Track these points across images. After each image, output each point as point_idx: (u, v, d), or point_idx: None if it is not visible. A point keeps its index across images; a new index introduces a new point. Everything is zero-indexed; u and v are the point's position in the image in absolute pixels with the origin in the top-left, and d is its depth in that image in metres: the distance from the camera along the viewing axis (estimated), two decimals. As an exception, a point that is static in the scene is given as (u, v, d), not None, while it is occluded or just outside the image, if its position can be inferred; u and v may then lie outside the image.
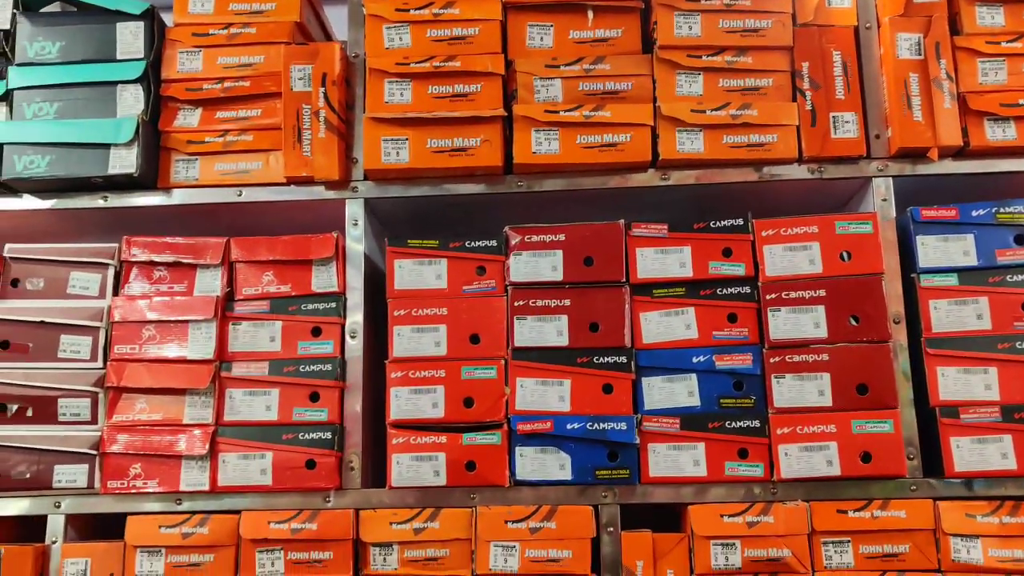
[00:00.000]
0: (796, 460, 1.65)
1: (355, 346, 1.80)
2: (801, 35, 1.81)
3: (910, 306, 1.72)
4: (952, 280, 1.70)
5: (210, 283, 1.83)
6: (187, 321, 1.80)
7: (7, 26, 1.91)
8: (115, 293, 1.84)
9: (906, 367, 1.69)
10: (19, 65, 1.89)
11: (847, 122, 1.77)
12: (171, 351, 1.79)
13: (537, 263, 1.78)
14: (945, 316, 1.69)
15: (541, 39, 1.84)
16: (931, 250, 1.71)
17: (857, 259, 1.72)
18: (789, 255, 1.73)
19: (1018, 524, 1.60)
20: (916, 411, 1.68)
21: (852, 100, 1.78)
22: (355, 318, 1.81)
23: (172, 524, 1.71)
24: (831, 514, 1.63)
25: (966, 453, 1.63)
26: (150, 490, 1.74)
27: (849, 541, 1.62)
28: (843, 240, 1.73)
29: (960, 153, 1.77)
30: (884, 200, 1.76)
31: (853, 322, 1.70)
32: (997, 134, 1.74)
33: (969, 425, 1.64)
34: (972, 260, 1.70)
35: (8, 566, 1.70)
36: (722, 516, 1.64)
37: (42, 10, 1.95)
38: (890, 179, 1.77)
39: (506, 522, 1.67)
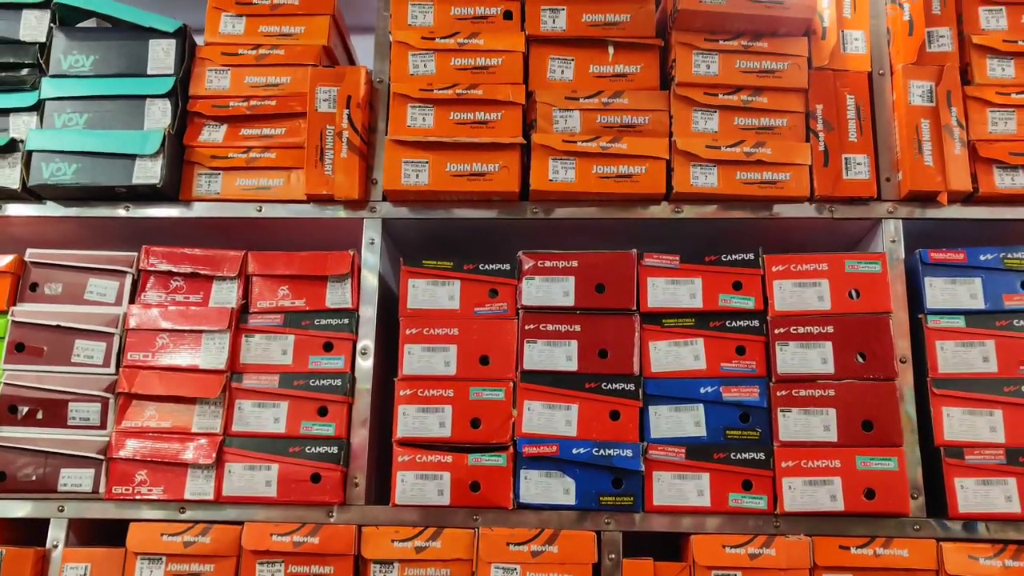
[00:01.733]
0: (800, 494, 1.66)
1: (365, 363, 1.81)
2: (816, 78, 1.85)
3: (917, 346, 1.73)
4: (959, 322, 1.71)
5: (226, 295, 1.86)
6: (201, 331, 1.82)
7: (43, 39, 1.96)
8: (131, 301, 1.87)
9: (911, 406, 1.70)
10: (53, 77, 1.94)
11: (859, 164, 1.81)
12: (183, 360, 1.80)
13: (549, 288, 1.80)
14: (952, 357, 1.70)
15: (562, 72, 1.89)
16: (939, 292, 1.73)
17: (865, 297, 1.74)
18: (799, 291, 1.76)
19: (1022, 568, 1.59)
20: (921, 450, 1.69)
21: (864, 143, 1.82)
22: (367, 335, 1.83)
23: (174, 532, 1.71)
24: (833, 549, 1.63)
25: (970, 494, 1.63)
26: (154, 497, 1.74)
27: (851, 578, 1.62)
28: (852, 278, 1.75)
29: (969, 199, 1.80)
30: (893, 241, 1.79)
31: (860, 359, 1.71)
32: (1006, 181, 1.78)
33: (974, 466, 1.64)
34: (979, 303, 1.72)
35: (8, 568, 1.70)
36: (724, 547, 1.64)
37: (78, 25, 2.00)
38: (900, 221, 1.80)
39: (508, 544, 1.67)
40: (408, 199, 1.87)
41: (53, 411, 1.79)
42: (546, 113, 1.86)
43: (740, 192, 1.81)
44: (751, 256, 1.78)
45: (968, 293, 1.73)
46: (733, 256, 1.79)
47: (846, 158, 1.82)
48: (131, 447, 1.76)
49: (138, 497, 1.74)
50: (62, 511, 1.76)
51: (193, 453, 1.75)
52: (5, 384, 1.80)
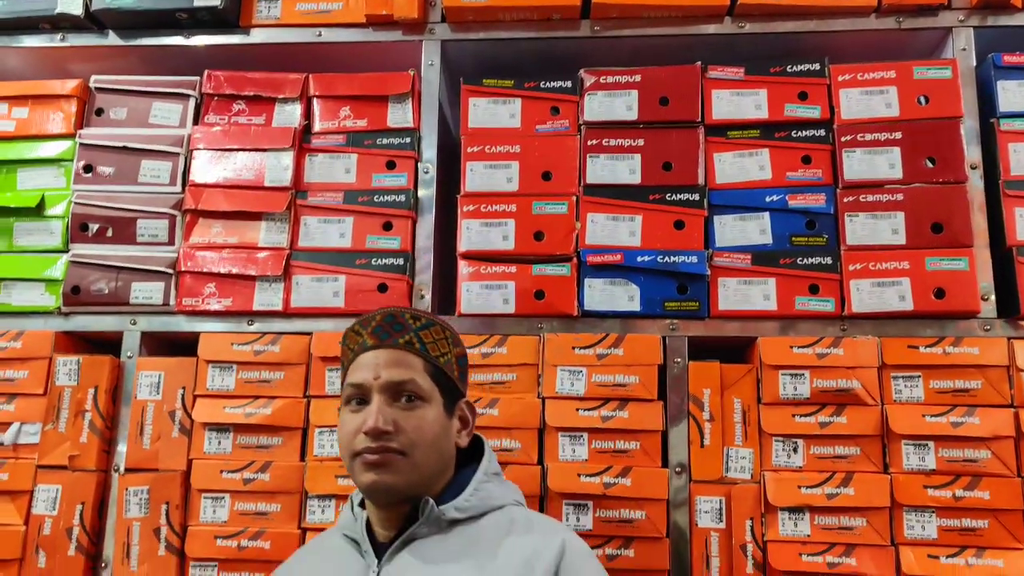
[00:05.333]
0: (868, 295, 1.65)
1: (428, 180, 1.82)
2: None
3: (987, 151, 1.71)
4: (1032, 123, 1.69)
5: (288, 117, 1.87)
6: (265, 150, 1.83)
7: None
8: (195, 123, 1.88)
9: (982, 212, 1.68)
10: (111, -95, 1.94)
11: (929, -29, 1.77)
12: (248, 178, 1.82)
13: (612, 103, 1.79)
14: (1025, 159, 1.68)
15: None
16: (1012, 94, 1.70)
17: (935, 103, 1.72)
18: (865, 99, 1.73)
19: (1094, 363, 1.58)
20: (992, 256, 1.67)
21: (934, -49, 1.78)
22: (428, 154, 1.83)
23: (244, 342, 1.74)
24: (902, 349, 1.62)
25: (1042, 292, 1.62)
26: (223, 308, 1.77)
27: (920, 376, 1.61)
28: (921, 85, 1.73)
29: (1043, 5, 1.76)
30: (964, 49, 1.76)
31: (929, 164, 1.69)
32: (1082, -15, 1.73)
33: (1046, 264, 1.62)
34: (1054, 104, 1.69)
35: (86, 374, 1.74)
36: (792, 348, 1.64)
37: None
38: (971, 30, 1.77)
39: (573, 348, 1.68)
40: (467, 18, 1.86)
41: (122, 228, 1.82)
42: (607, -71, 1.83)
43: (806, 2, 1.77)
44: (817, 65, 1.76)
45: (1042, 94, 1.69)
46: (798, 66, 1.76)
47: (915, -32, 1.78)
48: (199, 261, 1.79)
49: (207, 307, 1.77)
50: (135, 324, 1.80)
51: (261, 266, 1.77)
52: (75, 204, 1.83)
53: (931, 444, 1.58)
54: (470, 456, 1.26)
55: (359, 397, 1.19)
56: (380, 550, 1.17)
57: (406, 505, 1.17)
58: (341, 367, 1.29)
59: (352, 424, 1.17)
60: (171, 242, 1.82)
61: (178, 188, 1.84)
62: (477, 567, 1.10)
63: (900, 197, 1.68)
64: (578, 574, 1.10)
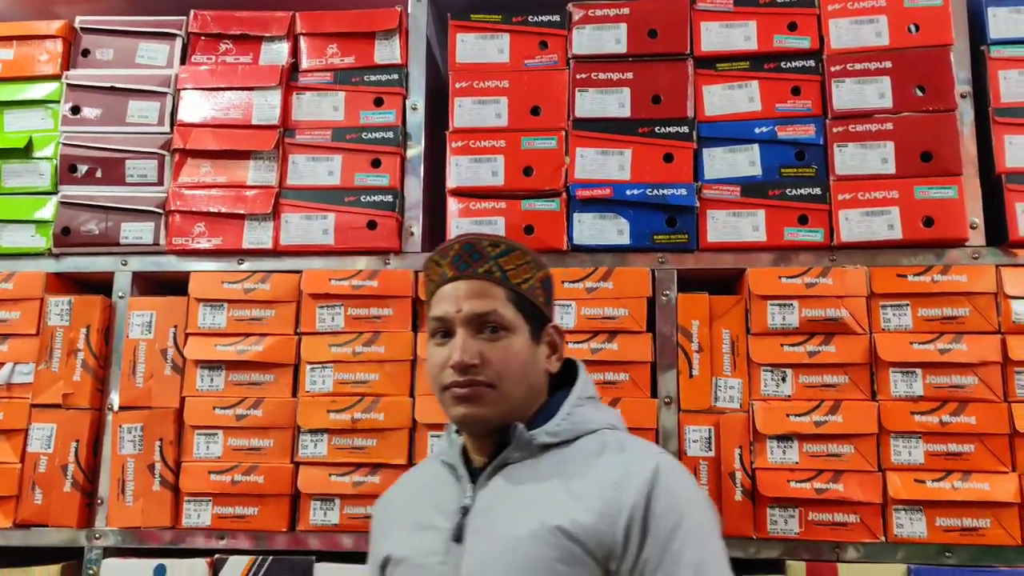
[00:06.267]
0: (857, 225, 1.65)
1: (416, 117, 1.81)
2: None
3: (978, 79, 1.70)
4: (1023, 51, 1.67)
5: (275, 55, 1.86)
6: (253, 88, 1.82)
7: None
8: (182, 63, 1.87)
9: (971, 139, 1.67)
10: None
11: (919, -102, 1.75)
12: (236, 116, 1.81)
13: (600, 36, 1.78)
14: (1015, 86, 1.67)
15: None
16: (1002, 21, 1.69)
17: (925, 31, 1.70)
18: (855, 28, 1.72)
19: (1082, 288, 1.58)
20: (981, 184, 1.67)
21: None
22: (416, 90, 1.83)
23: (235, 280, 1.75)
24: (891, 278, 1.62)
25: (1031, 218, 1.61)
26: (212, 246, 1.77)
27: (908, 304, 1.62)
28: (911, 13, 1.71)
29: (1035, -70, 1.74)
30: (954, -23, 1.74)
31: (919, 92, 1.68)
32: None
33: (1035, 191, 1.62)
34: (1044, 31, 1.68)
35: (78, 314, 1.74)
36: (781, 278, 1.64)
37: None
38: (960, -42, 1.75)
39: (563, 282, 1.68)
40: (454, -47, 1.84)
41: (111, 169, 1.82)
42: None
43: (795, -69, 1.76)
44: (807, -4, 1.74)
45: (1033, 21, 1.68)
46: (789, -3, 1.75)
47: None
48: (188, 200, 1.79)
49: (197, 246, 1.77)
50: (126, 264, 1.80)
51: (249, 204, 1.77)
52: (63, 145, 1.83)
53: (919, 371, 1.58)
54: (564, 380, 1.23)
55: (443, 330, 1.17)
56: (475, 475, 1.17)
57: (501, 432, 1.16)
58: (425, 299, 1.25)
59: (438, 357, 1.16)
60: (160, 182, 1.81)
61: (166, 128, 1.83)
62: (566, 489, 1.08)
63: (890, 126, 1.68)
64: (672, 497, 1.06)
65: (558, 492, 1.09)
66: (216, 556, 1.64)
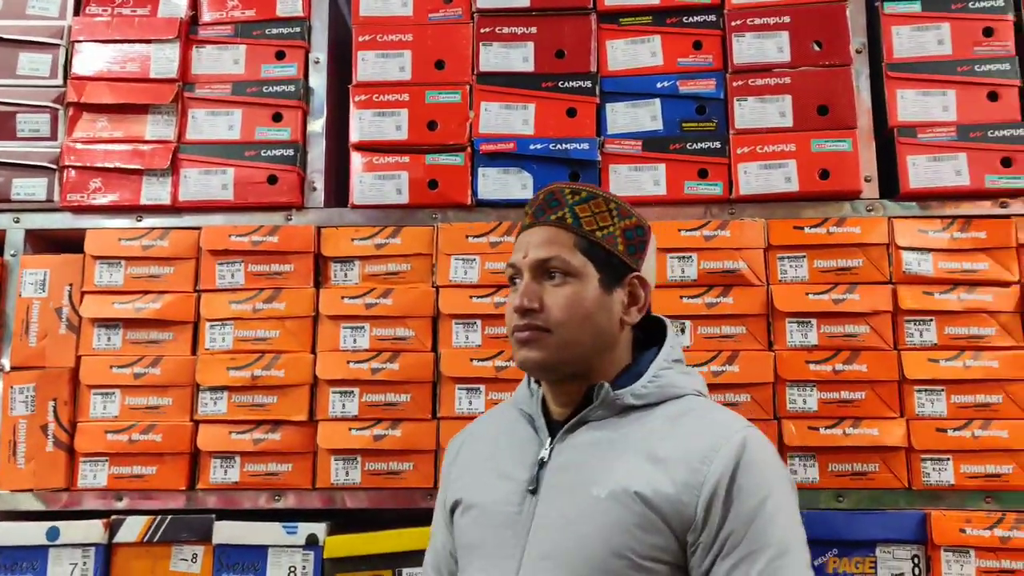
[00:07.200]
0: (755, 178, 1.67)
1: (319, 70, 1.79)
2: None
3: (873, 35, 1.72)
4: (915, 7, 1.71)
5: (174, 7, 1.81)
6: (150, 41, 1.77)
7: None
8: (76, 14, 1.81)
9: (867, 93, 1.70)
10: None
11: None
12: (133, 69, 1.76)
13: (504, -10, 1.77)
14: (907, 41, 1.70)
15: None
16: (896, -22, 1.72)
17: (823, -14, 1.73)
18: (756, -17, 1.73)
19: (968, 239, 1.62)
20: (876, 137, 1.70)
21: None
22: (319, 43, 1.80)
23: (132, 237, 1.71)
24: (787, 230, 1.65)
25: (922, 171, 1.65)
26: (108, 202, 1.73)
27: (804, 256, 1.64)
28: (810, -31, 1.73)
29: None
30: (852, -66, 1.76)
31: (816, 47, 1.71)
32: None
33: (926, 144, 1.66)
34: (937, -13, 1.71)
35: (-35, 272, 1.69)
36: (680, 231, 1.66)
37: None
38: (858, -84, 1.77)
39: (467, 237, 1.68)
40: (358, -97, 1.81)
41: (1, 123, 1.75)
42: None
43: None
44: (709, -49, 1.75)
45: (925, -23, 1.71)
46: (690, -48, 1.75)
47: None
48: (84, 156, 1.74)
49: (93, 202, 1.73)
50: (18, 222, 1.75)
51: (147, 159, 1.73)
52: (-51, 98, 1.76)
53: (813, 321, 1.61)
54: (653, 340, 1.19)
55: (514, 276, 1.16)
56: (554, 428, 1.15)
57: (578, 385, 1.14)
58: None
59: (509, 304, 1.14)
60: (53, 137, 1.76)
61: (59, 81, 1.78)
62: (650, 456, 1.06)
63: (787, 80, 1.70)
64: (758, 473, 1.03)
65: (640, 457, 1.06)
66: (113, 517, 1.61)
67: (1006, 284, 1.61)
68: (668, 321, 1.21)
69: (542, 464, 1.11)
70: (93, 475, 1.64)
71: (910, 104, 1.68)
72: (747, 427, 1.09)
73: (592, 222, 1.14)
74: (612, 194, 1.18)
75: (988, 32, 1.69)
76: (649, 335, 1.19)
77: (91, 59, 1.77)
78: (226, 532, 1.59)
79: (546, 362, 1.11)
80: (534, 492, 1.09)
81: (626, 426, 1.10)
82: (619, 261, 1.15)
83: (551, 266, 1.12)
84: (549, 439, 1.13)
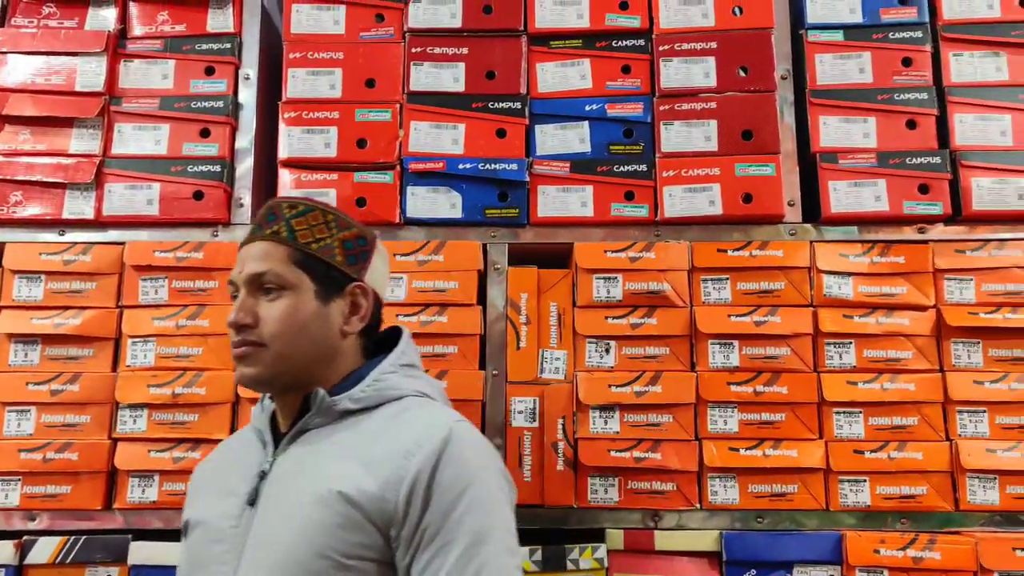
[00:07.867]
0: (680, 201, 1.69)
1: (249, 87, 1.78)
2: None
3: (798, 62, 1.76)
4: (838, 36, 1.74)
5: (103, 20, 1.80)
6: (77, 54, 1.76)
7: None
8: (1, 26, 1.79)
9: (791, 118, 1.73)
10: None
11: None
12: (59, 82, 1.74)
13: (436, 11, 1.78)
14: (830, 69, 1.73)
15: None
16: (819, 7, 1.75)
17: (749, 14, 1.76)
18: (684, 8, 1.76)
19: (887, 263, 1.65)
20: (799, 164, 1.72)
21: None
22: (250, 59, 1.79)
23: (53, 252, 1.68)
24: (711, 253, 1.67)
25: (843, 196, 1.68)
26: (29, 215, 1.70)
27: (727, 278, 1.66)
28: (737, -5, 1.76)
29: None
30: (770, -36, 1.80)
31: (742, 73, 1.74)
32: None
33: (847, 170, 1.69)
34: (858, 17, 1.75)
35: None
36: (606, 252, 1.67)
37: None
38: (783, -56, 1.81)
39: (395, 255, 1.67)
40: (291, -80, 1.81)
41: (-80, 134, 1.73)
42: None
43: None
44: (638, -24, 1.78)
45: (847, 7, 1.75)
46: (620, -24, 1.78)
47: None
48: (4, 168, 1.71)
49: (13, 215, 1.70)
50: (-66, 234, 1.71)
51: (70, 172, 1.71)
52: None
53: (735, 343, 1.63)
54: (388, 349, 1.21)
55: (234, 293, 1.16)
56: (280, 441, 1.15)
57: (301, 396, 1.15)
58: None
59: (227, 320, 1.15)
60: (-27, 149, 1.73)
61: (-19, 93, 1.75)
62: (359, 458, 1.07)
63: (713, 105, 1.72)
64: (459, 466, 1.05)
65: (349, 458, 1.08)
66: (24, 538, 1.57)
67: (923, 308, 1.64)
68: (406, 330, 1.25)
69: (263, 476, 1.12)
70: (4, 495, 1.60)
71: (832, 130, 1.71)
72: (457, 422, 1.11)
73: (308, 235, 1.17)
74: (332, 206, 1.22)
75: (907, 62, 1.73)
76: (382, 345, 1.22)
77: (15, 71, 1.75)
78: (142, 553, 1.56)
79: (262, 376, 1.13)
80: (252, 504, 1.10)
81: (344, 431, 1.12)
82: (338, 272, 1.18)
83: (265, 280, 1.14)
84: (273, 451, 1.15)
